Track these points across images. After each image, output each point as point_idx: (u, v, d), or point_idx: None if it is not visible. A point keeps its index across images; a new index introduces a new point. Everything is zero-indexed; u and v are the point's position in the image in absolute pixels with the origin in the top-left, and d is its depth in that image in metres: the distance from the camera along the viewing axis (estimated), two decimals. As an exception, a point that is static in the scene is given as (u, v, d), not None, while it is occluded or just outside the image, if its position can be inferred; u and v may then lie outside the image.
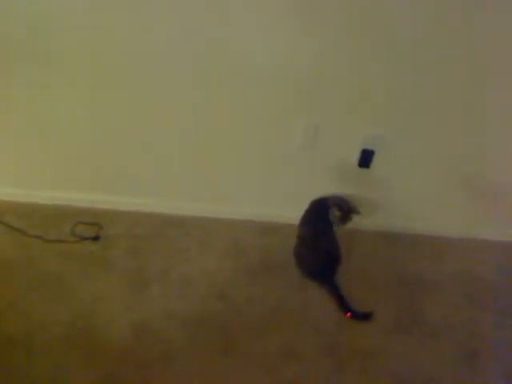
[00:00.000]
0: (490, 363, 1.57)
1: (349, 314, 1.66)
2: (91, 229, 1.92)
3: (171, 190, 2.10)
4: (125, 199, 2.08)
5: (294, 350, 1.50)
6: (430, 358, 1.56)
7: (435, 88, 2.04)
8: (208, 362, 1.41)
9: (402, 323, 1.70)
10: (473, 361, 1.57)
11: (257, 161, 2.08)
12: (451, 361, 1.56)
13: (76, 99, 1.87)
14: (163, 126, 1.97)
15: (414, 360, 1.54)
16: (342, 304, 1.68)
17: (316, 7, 1.73)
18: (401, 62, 1.97)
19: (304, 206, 1.92)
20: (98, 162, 2.03)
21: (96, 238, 1.89)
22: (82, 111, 1.90)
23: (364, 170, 2.16)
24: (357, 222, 2.10)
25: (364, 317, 1.66)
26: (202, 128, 1.98)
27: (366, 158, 2.14)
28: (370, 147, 2.12)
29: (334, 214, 1.81)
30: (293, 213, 1.96)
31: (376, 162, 2.14)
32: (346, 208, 1.82)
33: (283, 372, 1.41)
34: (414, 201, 2.25)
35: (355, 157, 2.13)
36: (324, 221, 1.84)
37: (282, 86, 1.93)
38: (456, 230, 2.31)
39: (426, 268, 2.04)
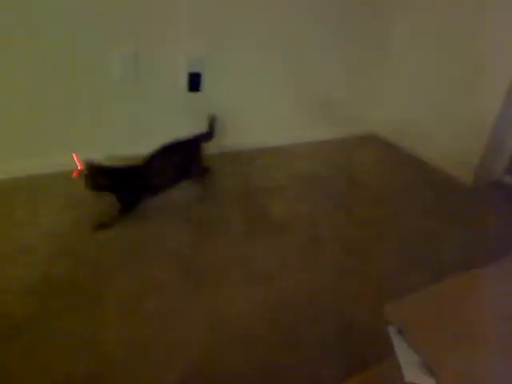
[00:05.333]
0: (330, 242, 1.79)
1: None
2: None
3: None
4: None
5: (152, 280, 1.49)
6: (280, 252, 1.70)
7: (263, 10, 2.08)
8: (65, 321, 1.32)
9: (251, 228, 1.81)
10: (316, 244, 1.77)
11: (80, 103, 1.89)
12: (299, 248, 1.74)
13: None
14: None
15: (266, 257, 1.66)
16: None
17: None
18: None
19: (144, 141, 1.84)
20: None
21: None
22: None
23: (195, 94, 2.14)
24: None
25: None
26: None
27: (194, 82, 2.11)
28: (196, 70, 2.09)
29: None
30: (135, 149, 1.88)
31: (205, 84, 2.14)
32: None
33: (145, 307, 1.40)
34: (246, 118, 2.34)
35: (184, 82, 2.09)
36: None
37: (88, 15, 1.74)
38: (288, 137, 2.52)
39: (266, 176, 2.21)
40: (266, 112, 2.39)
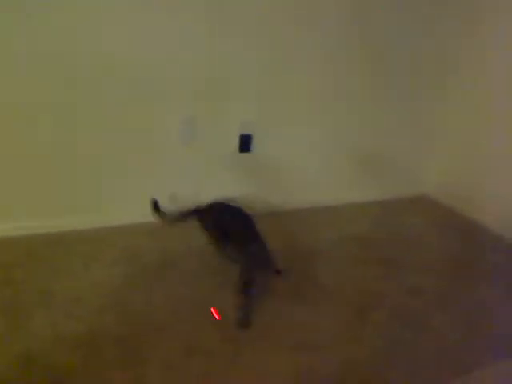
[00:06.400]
0: (380, 314, 1.69)
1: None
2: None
3: (43, 207, 1.93)
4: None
5: (194, 342, 1.46)
6: (327, 320, 1.62)
7: (303, 77, 2.18)
8: (106, 376, 1.32)
9: (297, 292, 1.75)
10: (364, 315, 1.67)
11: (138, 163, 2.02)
12: (347, 316, 1.65)
13: None
14: (26, 138, 1.81)
15: (312, 325, 1.59)
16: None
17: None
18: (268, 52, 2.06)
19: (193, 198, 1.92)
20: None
21: (-41, 274, 1.66)
22: None
23: (246, 155, 2.21)
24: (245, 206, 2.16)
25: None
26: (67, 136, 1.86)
27: (245, 143, 2.19)
28: (247, 132, 2.18)
29: None
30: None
31: (255, 145, 2.21)
32: None
33: (189, 369, 1.38)
34: (294, 177, 2.37)
35: (235, 143, 2.18)
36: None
37: (154, 85, 1.91)
38: (335, 198, 2.51)
39: (311, 237, 2.17)
40: (313, 172, 2.41)
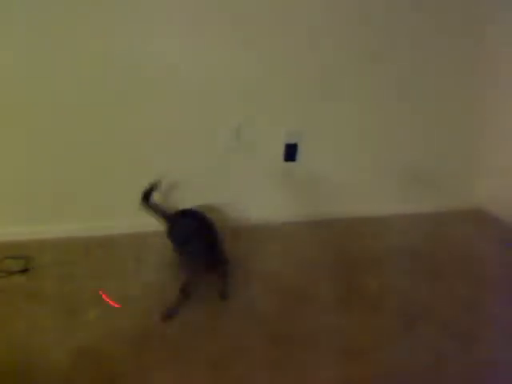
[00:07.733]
0: (429, 327, 1.63)
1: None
2: (19, 262, 1.83)
3: (100, 210, 2.05)
4: (51, 227, 2.01)
5: (239, 345, 1.50)
6: (373, 330, 1.59)
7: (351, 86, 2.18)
8: (152, 372, 1.38)
9: (344, 301, 1.74)
10: (412, 327, 1.62)
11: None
12: (394, 326, 1.62)
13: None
14: (79, 146, 1.94)
15: (358, 333, 1.57)
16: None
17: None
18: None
19: (240, 209, 1.96)
20: (18, 194, 1.94)
21: (24, 271, 1.79)
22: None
23: (290, 164, 2.23)
24: (291, 215, 2.17)
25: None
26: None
27: (290, 152, 2.21)
28: (292, 141, 2.20)
29: None
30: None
31: (301, 155, 2.23)
32: None
33: (231, 369, 1.40)
34: (340, 187, 2.36)
35: (280, 152, 2.21)
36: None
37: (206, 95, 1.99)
38: (383, 208, 2.45)
39: (360, 247, 2.13)
40: (359, 181, 2.38)
